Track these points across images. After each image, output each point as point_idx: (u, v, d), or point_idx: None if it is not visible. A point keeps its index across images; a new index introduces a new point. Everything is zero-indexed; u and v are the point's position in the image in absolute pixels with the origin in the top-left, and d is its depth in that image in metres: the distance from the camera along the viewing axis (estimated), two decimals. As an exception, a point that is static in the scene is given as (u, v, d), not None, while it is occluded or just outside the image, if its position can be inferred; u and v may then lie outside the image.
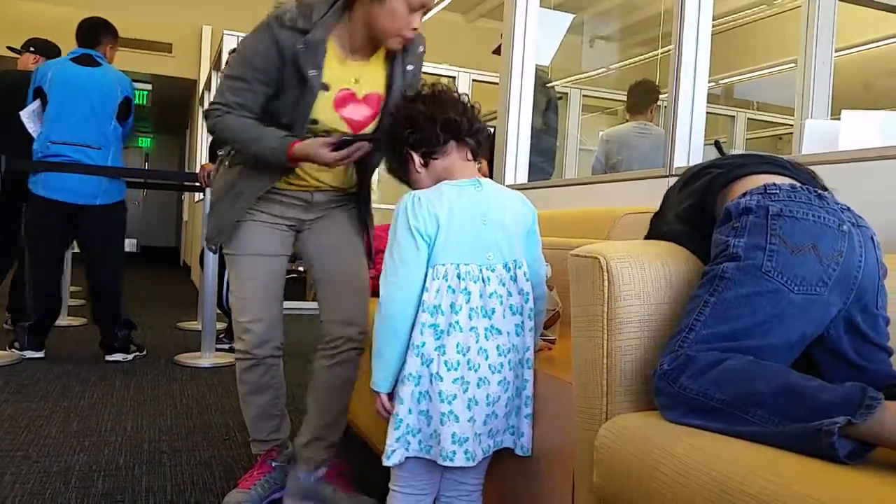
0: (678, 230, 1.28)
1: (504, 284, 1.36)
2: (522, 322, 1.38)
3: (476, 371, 1.31)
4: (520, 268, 1.38)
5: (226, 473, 2.18)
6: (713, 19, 2.21)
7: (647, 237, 1.42)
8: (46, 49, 4.20)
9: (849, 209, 1.13)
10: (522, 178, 3.25)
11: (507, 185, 3.36)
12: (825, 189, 1.24)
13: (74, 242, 3.85)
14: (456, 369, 1.30)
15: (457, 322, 1.31)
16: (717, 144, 1.50)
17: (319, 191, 1.88)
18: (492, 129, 1.45)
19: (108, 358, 3.73)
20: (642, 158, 3.66)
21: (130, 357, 3.77)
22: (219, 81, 1.83)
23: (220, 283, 3.83)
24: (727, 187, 1.21)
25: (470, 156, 1.44)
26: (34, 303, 3.67)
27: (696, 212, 1.26)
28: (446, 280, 1.32)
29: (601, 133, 4.19)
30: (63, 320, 4.54)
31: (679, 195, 1.34)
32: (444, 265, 1.33)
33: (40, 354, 3.67)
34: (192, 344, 4.05)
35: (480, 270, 1.34)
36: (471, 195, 1.38)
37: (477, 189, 1.39)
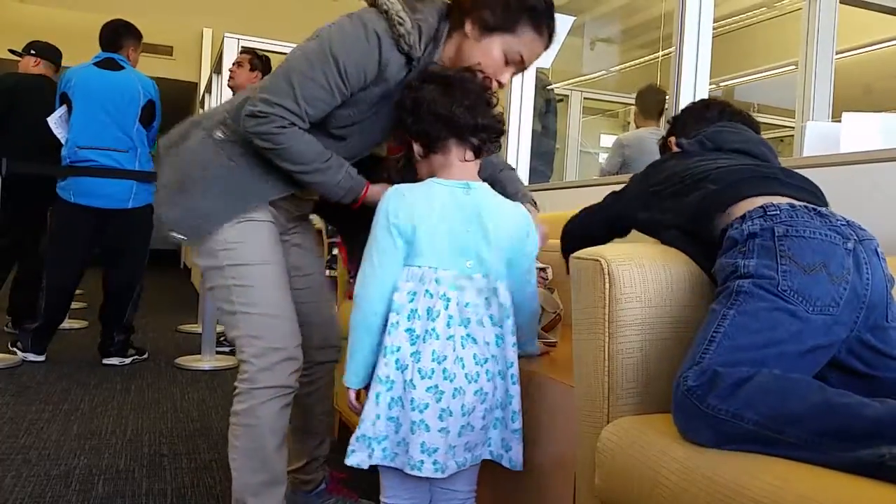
0: (677, 237, 1.26)
1: (482, 295, 1.30)
2: (503, 335, 1.31)
3: (451, 381, 1.25)
4: (501, 281, 1.32)
5: (227, 476, 2.17)
6: (714, 21, 2.21)
7: (601, 215, 1.51)
8: (48, 52, 4.20)
9: (849, 223, 1.11)
10: (523, 180, 3.25)
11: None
12: (820, 198, 1.23)
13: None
14: (430, 377, 1.25)
15: (433, 329, 1.26)
16: (679, 144, 1.49)
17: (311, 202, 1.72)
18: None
19: (105, 361, 3.72)
20: None
21: (128, 361, 3.76)
22: (281, 76, 1.44)
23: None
24: (723, 211, 1.19)
25: (470, 155, 1.35)
26: (47, 306, 3.66)
27: (692, 228, 1.24)
28: (423, 283, 1.28)
29: (618, 137, 4.16)
30: (64, 323, 4.54)
31: (655, 196, 1.32)
32: (420, 267, 1.29)
33: (41, 359, 3.67)
34: (193, 347, 4.05)
35: (457, 278, 1.29)
36: (458, 198, 1.32)
37: (465, 193, 1.32)
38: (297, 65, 1.43)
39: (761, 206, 1.12)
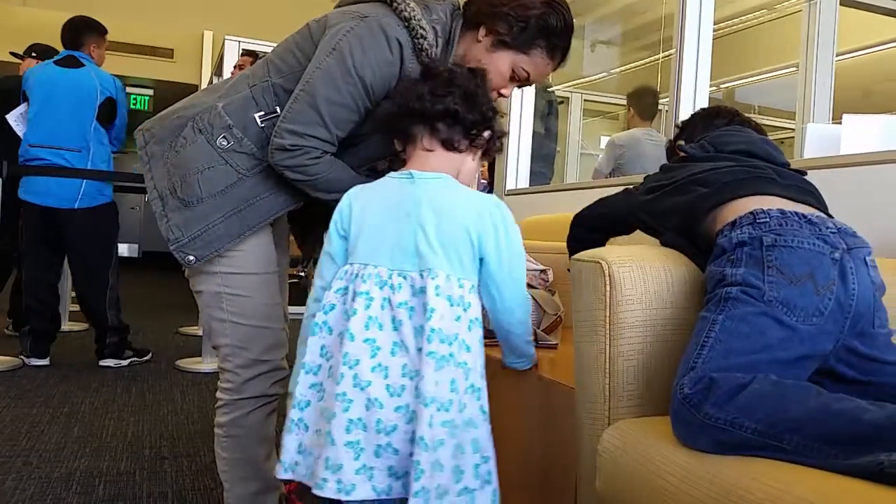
0: (677, 242, 1.26)
1: (416, 295, 1.14)
2: (453, 353, 1.11)
3: (363, 389, 1.09)
4: (433, 279, 1.13)
5: (227, 479, 2.18)
6: (714, 24, 2.21)
7: (610, 209, 1.50)
8: (48, 54, 4.20)
9: (839, 231, 1.10)
10: (523, 182, 3.25)
11: (508, 190, 3.37)
12: (815, 195, 1.23)
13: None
14: (339, 383, 1.10)
15: (348, 329, 1.12)
16: (681, 148, 1.49)
17: None
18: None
19: (101, 363, 3.72)
20: (656, 165, 3.64)
21: (125, 363, 3.74)
22: (306, 103, 1.36)
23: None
24: (713, 212, 1.19)
25: (434, 144, 1.23)
26: (26, 309, 3.66)
27: (685, 229, 1.25)
28: (352, 281, 1.17)
29: (611, 137, 4.15)
30: (64, 325, 4.53)
31: (661, 200, 1.32)
32: (351, 264, 1.19)
33: (44, 362, 3.65)
34: (194, 349, 4.05)
35: (390, 276, 1.15)
36: (399, 189, 1.20)
37: (409, 182, 1.20)
38: (321, 89, 1.35)
39: (751, 213, 1.12)
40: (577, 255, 1.22)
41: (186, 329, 4.92)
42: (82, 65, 3.69)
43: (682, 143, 1.51)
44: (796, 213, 1.11)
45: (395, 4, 1.38)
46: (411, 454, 1.08)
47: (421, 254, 1.15)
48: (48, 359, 3.67)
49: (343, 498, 1.08)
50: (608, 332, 1.14)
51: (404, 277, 1.15)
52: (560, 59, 1.48)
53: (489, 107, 1.27)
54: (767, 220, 1.09)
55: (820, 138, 2.03)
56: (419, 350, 1.11)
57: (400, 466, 1.10)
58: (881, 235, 1.15)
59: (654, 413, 1.13)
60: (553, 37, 1.43)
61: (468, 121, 1.23)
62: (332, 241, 1.25)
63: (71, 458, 2.32)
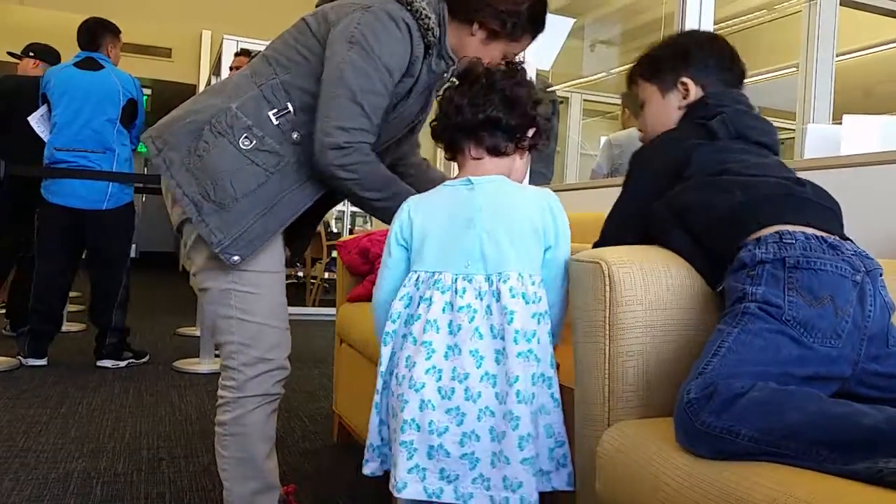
0: (686, 243, 1.21)
1: (481, 299, 1.17)
2: (504, 348, 1.15)
3: (418, 391, 1.13)
4: (504, 282, 1.17)
5: (225, 480, 2.17)
6: (714, 24, 2.21)
7: (624, 219, 1.34)
8: (46, 54, 4.20)
9: (858, 254, 1.09)
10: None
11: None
12: (839, 216, 1.20)
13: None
14: (400, 384, 1.16)
15: (410, 333, 1.19)
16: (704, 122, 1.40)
17: None
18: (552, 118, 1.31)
19: (99, 363, 3.71)
20: None
21: (123, 364, 3.74)
22: (345, 97, 1.40)
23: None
24: (752, 232, 1.13)
25: (481, 153, 1.26)
26: (31, 311, 3.66)
27: (706, 235, 1.19)
28: (418, 288, 1.22)
29: (606, 137, 4.14)
30: (62, 326, 4.53)
31: (685, 190, 1.23)
32: (417, 272, 1.23)
33: (42, 362, 3.65)
34: (191, 350, 4.04)
35: (455, 280, 1.19)
36: (458, 196, 1.24)
37: (468, 189, 1.24)
38: (354, 82, 1.39)
39: (777, 233, 1.09)
40: (576, 256, 1.21)
41: (184, 330, 4.92)
42: (102, 66, 3.72)
43: (692, 81, 1.36)
44: (818, 237, 1.09)
45: None
46: (462, 457, 1.12)
47: (487, 257, 1.19)
48: (46, 359, 3.67)
49: (395, 494, 1.14)
50: (608, 333, 1.13)
51: (469, 281, 1.18)
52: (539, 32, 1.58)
53: (532, 103, 1.28)
54: (793, 241, 1.07)
55: (820, 139, 2.03)
56: (481, 357, 1.14)
57: (451, 469, 1.14)
58: (881, 236, 1.15)
59: (653, 414, 1.12)
60: (539, 22, 1.54)
61: (511, 126, 1.25)
62: (391, 252, 1.29)
63: (68, 458, 2.31)
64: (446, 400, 1.13)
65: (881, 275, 1.09)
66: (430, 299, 1.18)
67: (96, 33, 3.76)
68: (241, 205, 1.44)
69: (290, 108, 1.47)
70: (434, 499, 1.13)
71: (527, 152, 1.31)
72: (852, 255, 1.08)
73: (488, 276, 1.18)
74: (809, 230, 1.10)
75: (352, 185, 1.43)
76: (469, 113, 1.24)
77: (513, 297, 1.16)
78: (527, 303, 1.17)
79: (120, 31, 3.88)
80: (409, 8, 1.43)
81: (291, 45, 1.50)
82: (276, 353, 1.53)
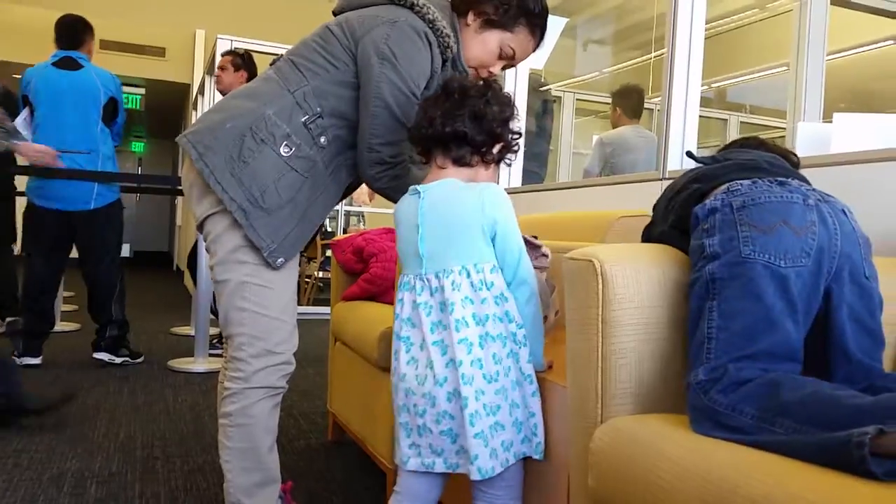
0: (670, 234, 1.28)
1: (432, 294, 1.33)
2: (448, 342, 1.29)
3: (403, 380, 1.35)
4: (447, 277, 1.30)
5: (219, 479, 2.16)
6: (706, 23, 2.22)
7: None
8: None
9: (813, 189, 1.13)
10: (516, 182, 3.26)
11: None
12: (804, 180, 1.24)
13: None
14: (393, 375, 1.39)
15: (395, 331, 1.38)
16: (689, 154, 1.50)
17: None
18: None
19: (95, 355, 3.71)
20: (647, 161, 3.65)
21: (118, 360, 3.74)
22: (385, 112, 1.51)
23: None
24: (703, 199, 1.21)
25: (447, 162, 1.38)
26: (26, 309, 3.66)
27: (681, 223, 1.26)
28: (412, 292, 1.36)
29: (598, 136, 4.16)
30: (56, 325, 4.52)
31: (666, 210, 1.34)
32: (403, 276, 1.40)
33: (37, 360, 3.65)
34: (186, 349, 4.04)
35: (414, 281, 1.36)
36: (411, 204, 1.39)
37: (417, 197, 1.38)
38: (391, 98, 1.50)
39: (726, 185, 1.16)
40: (569, 254, 1.22)
41: (178, 329, 4.91)
42: (81, 66, 3.68)
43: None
44: (767, 181, 1.13)
45: (416, 9, 1.55)
46: (441, 433, 1.29)
47: (431, 257, 1.33)
48: (41, 357, 3.67)
49: (401, 467, 1.35)
50: (601, 330, 1.14)
51: (423, 280, 1.34)
52: (540, 37, 1.67)
53: (499, 122, 1.38)
54: (740, 188, 1.12)
55: (811, 137, 2.04)
56: (436, 343, 1.30)
57: (437, 445, 1.31)
58: (873, 234, 1.16)
59: (646, 411, 1.13)
60: (532, 17, 1.63)
61: (477, 141, 1.37)
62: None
63: (62, 458, 2.31)
64: (422, 386, 1.31)
65: (850, 211, 1.13)
66: (402, 300, 1.37)
67: (79, 31, 3.73)
68: (284, 211, 1.52)
69: (320, 112, 1.54)
70: (430, 469, 1.32)
71: (493, 165, 1.43)
72: (804, 188, 1.12)
73: (437, 274, 1.32)
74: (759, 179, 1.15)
75: (389, 191, 1.57)
76: (440, 125, 1.35)
77: (454, 289, 1.30)
78: (474, 290, 1.30)
79: (93, 28, 3.85)
80: (431, 26, 1.54)
81: (316, 50, 1.57)
82: (284, 348, 1.58)
